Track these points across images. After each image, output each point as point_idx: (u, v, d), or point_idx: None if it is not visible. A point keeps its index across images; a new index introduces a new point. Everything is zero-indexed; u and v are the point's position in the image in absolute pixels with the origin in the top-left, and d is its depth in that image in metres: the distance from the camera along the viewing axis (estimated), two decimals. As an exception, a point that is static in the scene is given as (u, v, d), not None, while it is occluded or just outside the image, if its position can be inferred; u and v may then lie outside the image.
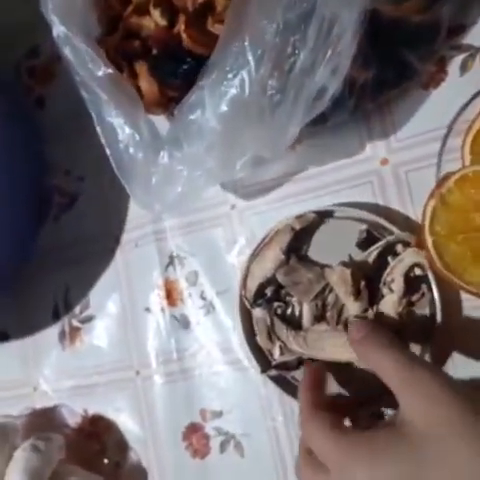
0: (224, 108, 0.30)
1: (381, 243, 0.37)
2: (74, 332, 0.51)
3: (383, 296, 0.36)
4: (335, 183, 0.40)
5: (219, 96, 0.31)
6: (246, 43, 0.29)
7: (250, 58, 0.29)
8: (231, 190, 0.44)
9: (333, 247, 0.39)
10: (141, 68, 0.42)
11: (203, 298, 0.46)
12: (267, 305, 0.40)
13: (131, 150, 0.38)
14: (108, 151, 0.39)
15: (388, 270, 0.36)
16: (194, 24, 0.39)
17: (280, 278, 0.39)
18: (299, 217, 0.39)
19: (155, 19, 0.40)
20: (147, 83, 0.42)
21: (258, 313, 0.41)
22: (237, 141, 0.31)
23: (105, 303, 0.49)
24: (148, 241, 0.47)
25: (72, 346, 0.51)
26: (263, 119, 0.31)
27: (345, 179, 0.40)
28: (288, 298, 0.40)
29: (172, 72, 0.41)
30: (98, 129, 0.39)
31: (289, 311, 0.40)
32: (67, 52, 0.40)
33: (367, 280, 0.37)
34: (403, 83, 0.38)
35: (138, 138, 0.38)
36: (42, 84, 0.54)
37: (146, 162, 0.38)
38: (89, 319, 0.50)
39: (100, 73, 0.39)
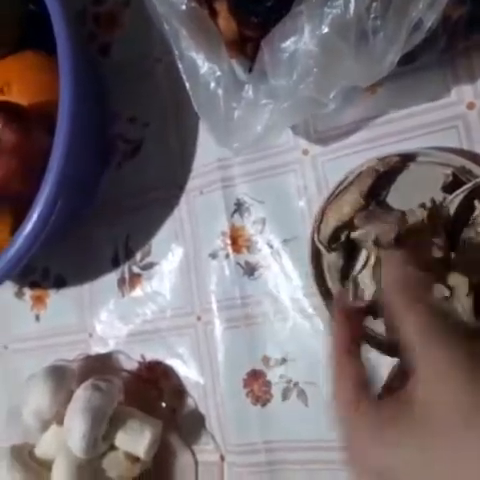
0: (325, 29, 0.30)
1: (469, 185, 0.36)
2: (134, 278, 0.51)
3: (469, 238, 0.36)
4: (417, 128, 0.39)
5: (320, 18, 0.30)
6: (354, -39, 0.28)
7: (358, -23, 0.28)
8: (303, 135, 0.44)
9: (415, 192, 0.38)
10: (221, 6, 0.41)
11: (270, 246, 0.45)
12: (342, 249, 0.40)
13: (212, 85, 0.38)
14: (188, 86, 0.39)
15: (477, 212, 0.35)
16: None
17: (358, 222, 0.39)
18: (382, 159, 0.38)
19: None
20: (226, 21, 0.41)
21: (332, 257, 0.40)
22: (334, 66, 0.31)
23: (167, 250, 0.49)
24: (214, 188, 0.47)
25: (132, 292, 0.51)
26: (363, 43, 0.30)
27: (428, 123, 0.39)
28: (364, 244, 0.40)
29: (253, 10, 0.40)
30: (179, 65, 0.39)
31: (364, 258, 0.40)
32: (148, -14, 0.40)
33: (449, 223, 0.36)
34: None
35: (219, 73, 0.38)
36: (107, 31, 0.54)
37: (228, 97, 0.37)
38: (150, 266, 0.50)
39: (183, 7, 0.38)
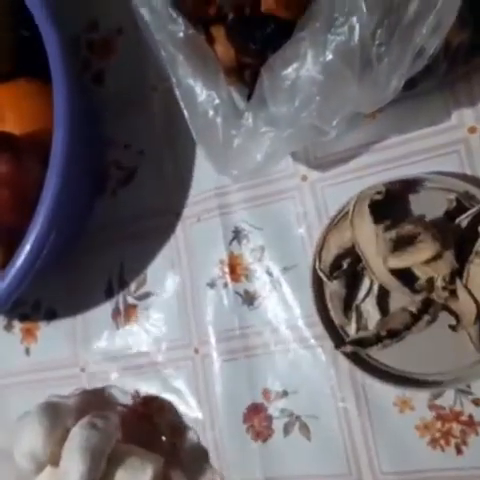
0: (329, 56, 0.29)
1: (473, 211, 0.35)
2: (129, 309, 0.49)
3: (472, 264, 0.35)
4: (418, 153, 0.39)
5: (323, 45, 0.29)
6: (358, -12, 0.28)
7: (362, 4, 0.28)
8: (303, 161, 0.43)
9: None
10: (218, 32, 0.41)
11: (269, 274, 0.44)
12: (345, 277, 0.39)
13: (210, 113, 0.37)
14: (186, 114, 0.38)
15: (481, 239, 0.35)
16: (280, -14, 0.38)
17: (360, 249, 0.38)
18: (383, 186, 0.37)
19: (237, -18, 0.39)
20: (223, 48, 0.41)
21: (334, 286, 0.39)
22: (337, 93, 0.30)
23: (163, 279, 0.48)
24: (212, 216, 0.46)
25: (126, 324, 0.49)
26: (368, 70, 0.30)
27: (429, 148, 0.39)
28: (366, 272, 0.39)
29: (252, 37, 0.40)
30: (176, 92, 0.38)
31: (367, 286, 0.39)
32: (144, 13, 0.39)
33: (455, 248, 0.35)
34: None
35: (218, 101, 0.37)
36: (101, 58, 0.53)
37: (226, 125, 0.37)
38: (146, 296, 0.49)
39: (180, 34, 0.38)
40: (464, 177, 0.37)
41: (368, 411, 0.40)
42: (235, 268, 0.45)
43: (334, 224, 0.39)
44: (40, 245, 0.39)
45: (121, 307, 0.50)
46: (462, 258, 0.36)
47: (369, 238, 0.36)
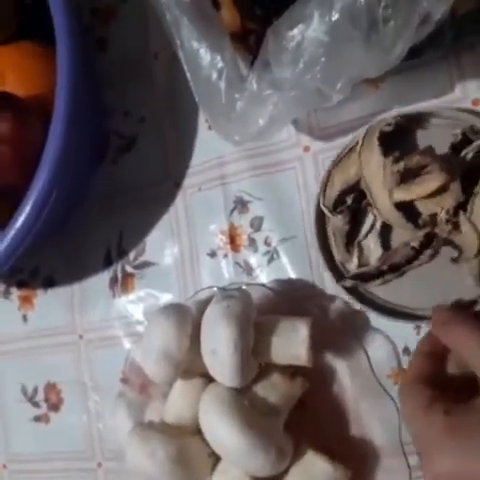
0: (335, 17, 0.29)
1: (478, 143, 0.35)
2: (127, 278, 0.49)
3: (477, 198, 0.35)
4: (421, 124, 0.39)
5: (329, 5, 0.29)
6: None
7: (370, -36, 0.28)
8: (305, 131, 0.43)
9: None
10: (224, -2, 0.41)
11: (267, 244, 0.44)
12: (348, 213, 0.39)
13: (214, 76, 0.37)
14: (189, 76, 0.38)
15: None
16: None
17: (364, 184, 0.37)
18: (391, 119, 0.37)
19: None
20: (229, 12, 0.40)
21: (337, 221, 0.39)
22: (343, 55, 0.30)
23: (162, 248, 0.48)
24: (213, 185, 0.46)
25: (124, 292, 0.49)
26: (373, 32, 0.29)
27: (433, 120, 0.38)
28: (369, 208, 0.39)
29: (257, 2, 0.39)
30: (180, 55, 0.38)
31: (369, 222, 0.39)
32: (150, -25, 0.39)
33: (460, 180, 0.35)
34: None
35: (222, 64, 0.37)
36: (103, 25, 0.53)
37: (230, 88, 0.37)
38: (144, 265, 0.49)
39: (186, -3, 0.38)
40: (471, 111, 0.37)
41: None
42: (235, 238, 0.45)
43: (339, 160, 0.39)
44: (40, 206, 0.39)
45: (119, 276, 0.50)
46: (467, 191, 0.35)
47: (376, 171, 0.36)
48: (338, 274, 0.40)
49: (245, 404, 0.37)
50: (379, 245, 0.39)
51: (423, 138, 0.38)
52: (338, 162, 0.39)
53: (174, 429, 0.40)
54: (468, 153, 0.36)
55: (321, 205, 0.40)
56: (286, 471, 0.38)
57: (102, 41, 0.52)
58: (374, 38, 0.30)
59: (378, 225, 0.39)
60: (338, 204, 0.39)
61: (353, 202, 0.39)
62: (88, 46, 0.52)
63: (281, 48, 0.33)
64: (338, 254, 0.40)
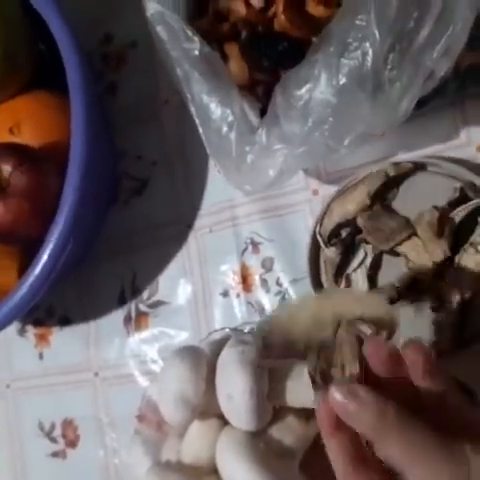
0: (342, 80, 0.30)
1: (475, 201, 0.36)
2: (141, 317, 0.50)
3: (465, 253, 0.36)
4: (427, 169, 0.40)
5: (336, 69, 0.30)
6: (372, 15, 0.29)
7: (375, 31, 0.29)
8: (314, 176, 0.44)
9: (420, 201, 0.38)
10: (231, 50, 0.42)
11: (279, 284, 0.45)
12: (341, 246, 0.40)
13: (224, 129, 0.38)
14: (200, 130, 0.39)
15: (478, 231, 0.36)
16: (293, 6, 0.39)
17: (361, 222, 0.39)
18: (396, 164, 0.38)
19: (251, 1, 0.40)
20: (237, 64, 0.42)
21: (330, 252, 0.40)
22: (350, 115, 0.31)
23: (175, 288, 0.49)
24: (224, 226, 0.47)
25: (137, 331, 0.50)
26: (380, 92, 0.30)
27: (438, 165, 0.39)
28: (362, 244, 0.40)
29: (265, 54, 0.41)
30: (191, 108, 0.39)
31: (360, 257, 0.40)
32: (160, 31, 0.40)
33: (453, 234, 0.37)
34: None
35: (232, 117, 0.38)
36: (114, 71, 0.54)
37: (240, 141, 0.38)
38: (158, 304, 0.50)
39: (196, 52, 0.39)
40: (472, 167, 0.38)
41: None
42: (246, 278, 0.46)
43: (340, 194, 0.40)
44: (57, 255, 0.41)
45: (133, 314, 0.51)
46: (456, 246, 0.37)
47: None
48: None
49: (261, 447, 0.37)
50: (366, 281, 0.40)
51: (425, 186, 0.39)
52: (339, 195, 0.40)
53: (191, 469, 0.41)
54: (460, 211, 0.36)
55: (317, 234, 0.41)
56: (301, 512, 0.38)
57: (113, 86, 0.54)
58: (380, 97, 0.31)
59: (368, 262, 0.40)
60: (333, 236, 0.40)
61: (347, 236, 0.40)
62: (100, 92, 0.54)
63: (289, 105, 0.34)
64: (326, 282, 0.41)
